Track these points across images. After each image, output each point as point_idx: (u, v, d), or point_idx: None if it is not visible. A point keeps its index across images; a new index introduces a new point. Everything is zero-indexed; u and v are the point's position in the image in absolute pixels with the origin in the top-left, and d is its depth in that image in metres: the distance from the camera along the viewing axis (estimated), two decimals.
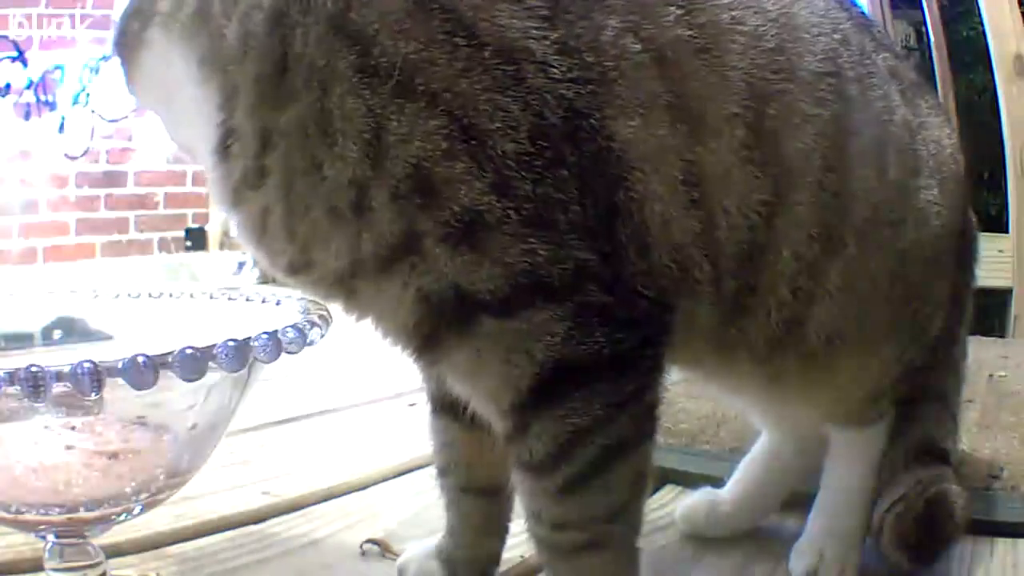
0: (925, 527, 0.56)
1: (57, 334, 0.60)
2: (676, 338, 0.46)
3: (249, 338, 0.41)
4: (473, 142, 0.40)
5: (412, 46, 0.40)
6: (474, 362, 0.43)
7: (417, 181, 0.40)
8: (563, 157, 0.41)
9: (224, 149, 0.43)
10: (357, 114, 0.40)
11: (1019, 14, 1.52)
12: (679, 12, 0.45)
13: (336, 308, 0.50)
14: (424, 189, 0.40)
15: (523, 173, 0.40)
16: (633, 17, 0.44)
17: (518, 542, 0.59)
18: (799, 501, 0.64)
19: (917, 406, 0.61)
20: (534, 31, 0.41)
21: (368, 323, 0.48)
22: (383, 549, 0.63)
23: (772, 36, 0.47)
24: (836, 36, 0.50)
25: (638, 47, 0.43)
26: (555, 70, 0.41)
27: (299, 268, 0.45)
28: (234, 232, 0.48)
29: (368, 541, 0.63)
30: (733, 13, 0.46)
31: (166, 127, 0.50)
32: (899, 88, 0.54)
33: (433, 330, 0.43)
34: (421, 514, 0.70)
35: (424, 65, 0.40)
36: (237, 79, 0.42)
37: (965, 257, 0.62)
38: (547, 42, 0.41)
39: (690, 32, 0.45)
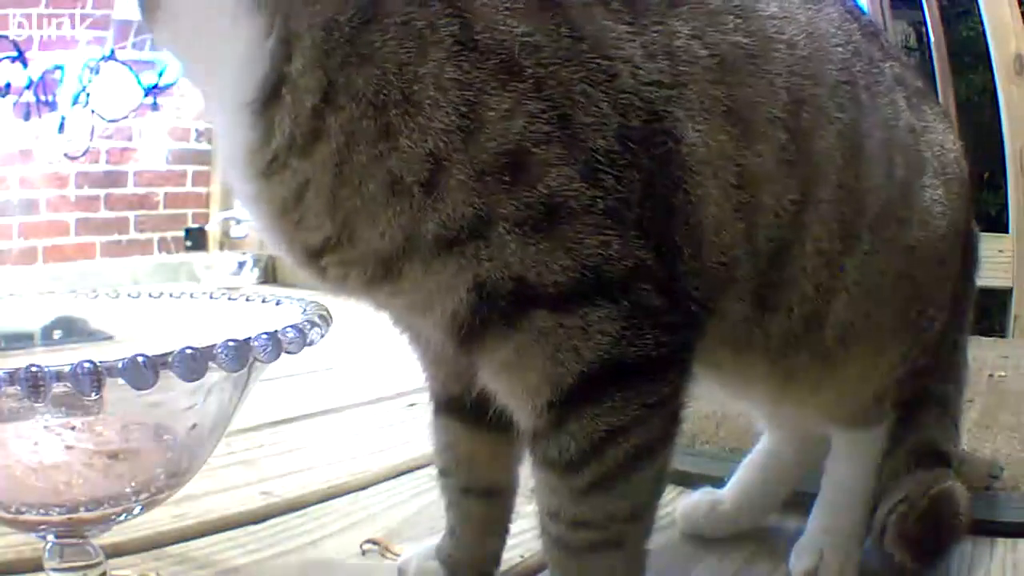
0: (929, 525, 0.57)
1: (57, 334, 0.60)
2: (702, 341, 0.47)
3: (249, 338, 0.41)
4: (568, 131, 0.40)
5: (522, 28, 0.40)
6: (518, 356, 0.42)
7: (511, 160, 0.39)
8: (639, 158, 0.41)
9: (268, 103, 0.40)
10: (454, 85, 0.39)
11: (1019, 14, 1.52)
12: (737, 21, 0.46)
13: (338, 307, 0.50)
14: (516, 169, 0.39)
15: (608, 168, 0.40)
16: (698, 24, 0.45)
17: (518, 542, 0.59)
18: (799, 501, 0.64)
19: (919, 410, 0.61)
20: (625, 34, 0.42)
21: (389, 312, 0.48)
22: (383, 549, 0.63)
23: (804, 45, 0.49)
24: (850, 47, 0.52)
25: (705, 53, 0.44)
26: (642, 72, 0.42)
27: (333, 247, 0.42)
28: (243, 211, 0.45)
29: (368, 541, 0.63)
30: (775, 22, 0.48)
31: (187, 72, 0.45)
32: (904, 95, 0.56)
33: (481, 321, 0.42)
34: (421, 514, 0.70)
35: (532, 49, 0.40)
36: (301, 20, 0.39)
37: (967, 264, 0.62)
38: (634, 45, 0.42)
39: (746, 40, 0.46)
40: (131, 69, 2.58)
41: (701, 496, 0.67)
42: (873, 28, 0.58)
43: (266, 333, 0.42)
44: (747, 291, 0.48)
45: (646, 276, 0.42)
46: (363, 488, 0.77)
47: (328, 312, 0.50)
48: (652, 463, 0.45)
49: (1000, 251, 1.52)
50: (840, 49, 0.51)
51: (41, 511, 0.45)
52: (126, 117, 2.68)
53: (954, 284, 0.59)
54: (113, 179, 2.82)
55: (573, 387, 0.42)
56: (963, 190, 0.59)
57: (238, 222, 2.81)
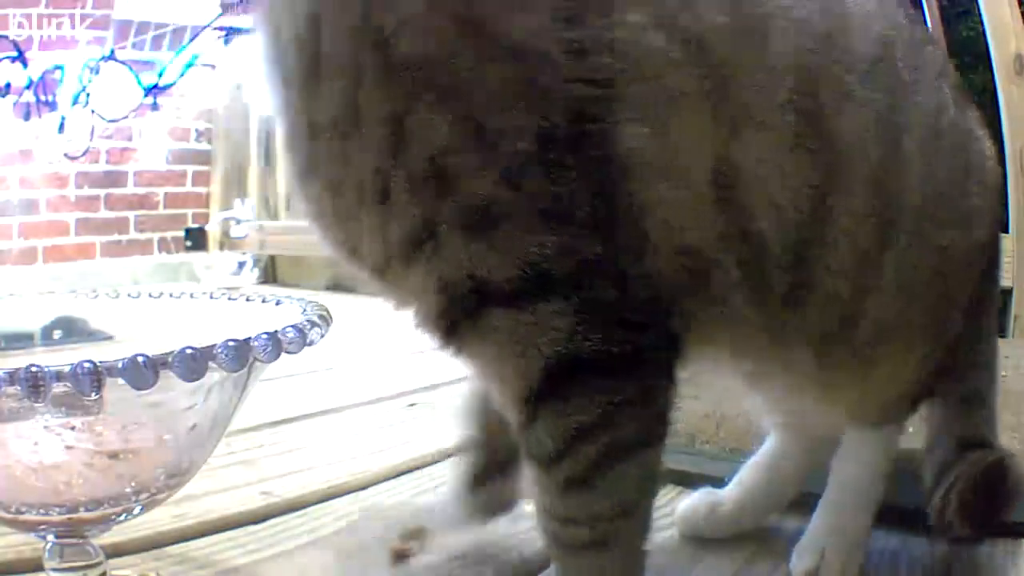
0: (987, 493, 0.56)
1: (57, 334, 0.60)
2: (722, 335, 0.47)
3: (249, 338, 0.41)
4: (483, 139, 0.40)
5: (429, 45, 0.40)
6: (489, 353, 0.44)
7: (432, 172, 0.40)
8: (568, 160, 0.40)
9: (289, 136, 0.45)
10: (380, 108, 0.41)
11: (1019, 14, 1.52)
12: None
13: (338, 307, 0.50)
14: (439, 179, 0.41)
15: (532, 171, 0.40)
16: (664, 11, 0.42)
17: (517, 543, 0.59)
18: (800, 501, 0.64)
19: (960, 406, 0.60)
20: (548, 31, 0.40)
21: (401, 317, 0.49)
22: (407, 551, 0.61)
23: (820, 20, 0.46)
24: (890, 25, 0.49)
25: (662, 43, 0.41)
26: (566, 71, 0.40)
27: (353, 254, 0.45)
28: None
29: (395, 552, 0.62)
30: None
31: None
32: (949, 87, 0.53)
33: (453, 321, 0.43)
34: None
35: (439, 63, 0.40)
36: (291, 73, 0.43)
37: (994, 255, 0.61)
38: (561, 43, 0.40)
39: (731, 19, 0.43)
40: (131, 69, 2.58)
41: (701, 496, 0.67)
42: (914, 17, 0.55)
43: (266, 333, 0.42)
44: (766, 289, 0.46)
45: (597, 273, 0.41)
46: (363, 488, 0.77)
47: (328, 312, 0.50)
48: (629, 463, 0.44)
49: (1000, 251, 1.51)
50: (876, 26, 0.48)
51: (41, 511, 0.45)
52: (126, 117, 2.68)
53: (977, 283, 0.58)
54: (113, 179, 2.82)
55: (540, 382, 0.43)
56: (998, 193, 0.58)
57: (238, 222, 2.81)
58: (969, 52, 1.85)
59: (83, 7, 2.62)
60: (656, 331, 0.44)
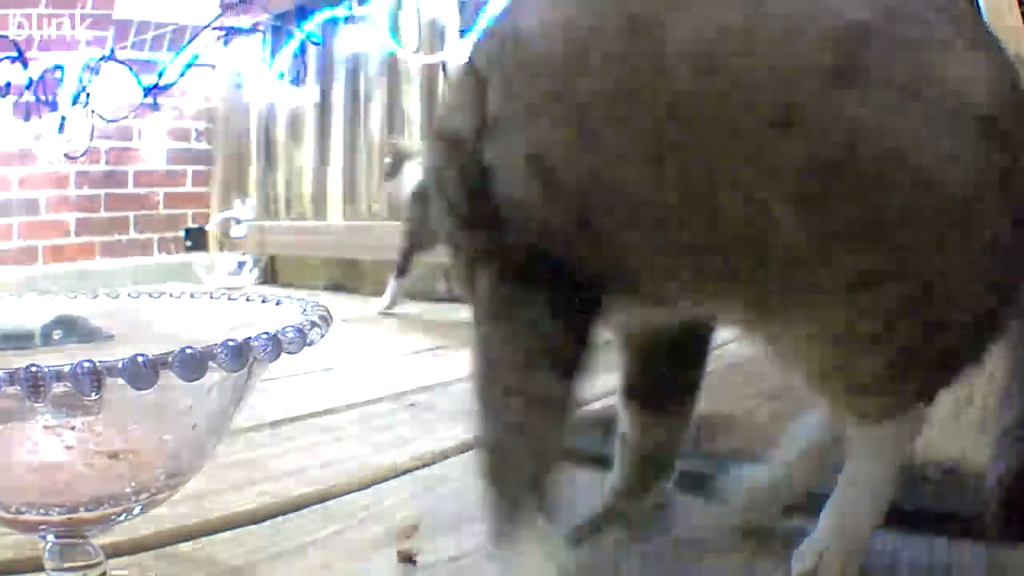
0: None
1: (57, 334, 0.60)
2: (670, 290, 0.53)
3: (249, 338, 0.41)
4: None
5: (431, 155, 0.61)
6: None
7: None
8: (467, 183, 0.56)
9: None
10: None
11: (1019, 14, 1.52)
12: None
13: (337, 307, 0.50)
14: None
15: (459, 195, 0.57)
16: (501, 91, 0.53)
17: None
18: (801, 501, 0.64)
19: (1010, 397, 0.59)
20: (466, 126, 0.54)
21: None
22: (409, 555, 0.61)
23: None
24: None
25: (508, 108, 0.53)
26: (473, 143, 0.54)
27: None
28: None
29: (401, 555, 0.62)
30: None
31: None
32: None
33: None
34: (422, 514, 0.70)
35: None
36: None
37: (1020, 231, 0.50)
38: (468, 130, 0.54)
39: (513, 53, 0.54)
40: (131, 69, 2.58)
41: (740, 471, 0.66)
42: None
43: (266, 333, 0.42)
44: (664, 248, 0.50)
45: (499, 256, 0.55)
46: (363, 488, 0.77)
47: (328, 312, 0.50)
48: (512, 385, 0.53)
49: None
50: None
51: (41, 511, 0.45)
52: (126, 117, 2.68)
53: (1005, 266, 0.50)
54: (113, 179, 2.83)
55: (489, 318, 0.56)
56: (979, 137, 0.44)
57: (238, 222, 2.81)
58: None
59: (83, 7, 2.62)
60: (563, 287, 0.53)
